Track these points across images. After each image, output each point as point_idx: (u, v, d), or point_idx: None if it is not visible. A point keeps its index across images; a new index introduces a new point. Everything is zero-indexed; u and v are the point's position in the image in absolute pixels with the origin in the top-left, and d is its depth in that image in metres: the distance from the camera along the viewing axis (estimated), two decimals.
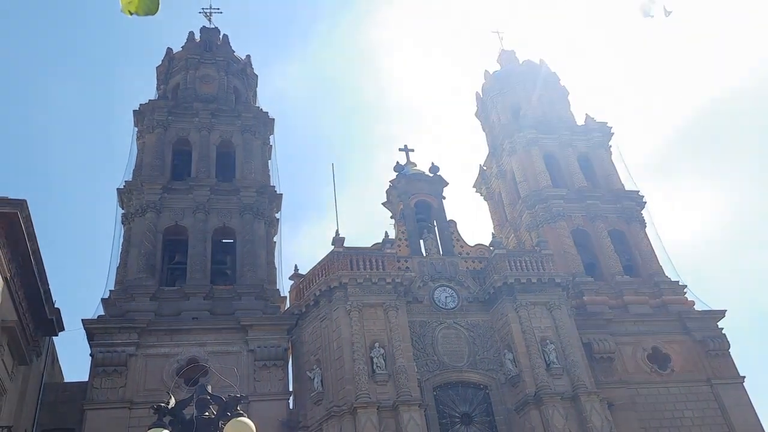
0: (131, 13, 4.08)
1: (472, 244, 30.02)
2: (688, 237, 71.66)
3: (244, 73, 38.47)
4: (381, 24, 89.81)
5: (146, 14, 4.08)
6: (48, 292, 22.02)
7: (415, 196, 31.02)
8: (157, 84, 37.50)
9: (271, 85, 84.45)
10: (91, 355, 24.88)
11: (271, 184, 32.61)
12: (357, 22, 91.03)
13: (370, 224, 70.82)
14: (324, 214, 77.91)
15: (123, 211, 30.53)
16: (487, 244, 29.78)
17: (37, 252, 20.17)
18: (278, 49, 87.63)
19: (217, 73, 36.76)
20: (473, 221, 67.06)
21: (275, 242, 32.00)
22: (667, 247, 33.43)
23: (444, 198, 31.53)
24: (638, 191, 34.62)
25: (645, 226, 33.66)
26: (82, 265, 72.85)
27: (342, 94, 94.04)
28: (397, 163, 32.20)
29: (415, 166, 32.53)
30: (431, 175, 31.92)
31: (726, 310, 30.35)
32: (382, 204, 32.49)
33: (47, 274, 21.39)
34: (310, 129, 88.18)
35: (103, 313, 26.24)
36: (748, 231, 75.19)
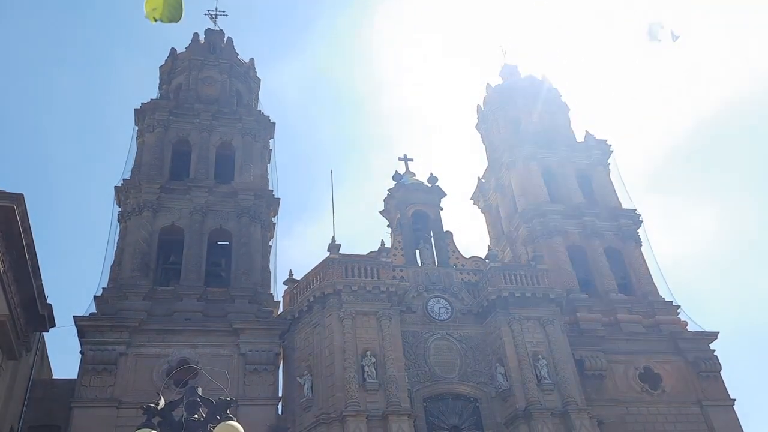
0: (155, 20, 4.11)
1: (468, 256, 30.06)
2: (683, 255, 71.83)
3: (246, 76, 38.53)
4: (382, 29, 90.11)
5: (170, 21, 4.12)
6: (41, 287, 21.94)
7: (413, 206, 31.06)
8: (160, 83, 37.55)
9: (269, 85, 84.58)
10: (81, 352, 24.76)
11: (270, 188, 32.64)
12: (356, 24, 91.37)
13: (366, 229, 70.59)
14: (319, 216, 77.80)
15: (120, 209, 30.48)
16: (483, 257, 29.80)
17: (31, 247, 20.12)
18: (277, 49, 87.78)
19: (220, 75, 36.83)
20: (470, 233, 67.06)
21: (271, 246, 32.03)
22: (661, 265, 33.43)
23: (441, 209, 31.59)
24: (635, 210, 34.71)
25: (640, 245, 33.71)
26: (77, 262, 72.68)
27: (340, 96, 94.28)
28: (396, 172, 32.27)
29: (414, 176, 32.60)
30: (429, 185, 31.97)
31: (718, 332, 30.37)
32: (380, 212, 32.56)
33: (41, 270, 21.33)
34: (308, 130, 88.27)
35: (95, 310, 26.11)
36: (742, 250, 75.44)
